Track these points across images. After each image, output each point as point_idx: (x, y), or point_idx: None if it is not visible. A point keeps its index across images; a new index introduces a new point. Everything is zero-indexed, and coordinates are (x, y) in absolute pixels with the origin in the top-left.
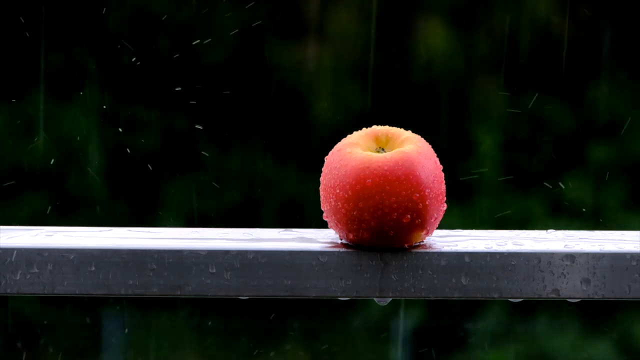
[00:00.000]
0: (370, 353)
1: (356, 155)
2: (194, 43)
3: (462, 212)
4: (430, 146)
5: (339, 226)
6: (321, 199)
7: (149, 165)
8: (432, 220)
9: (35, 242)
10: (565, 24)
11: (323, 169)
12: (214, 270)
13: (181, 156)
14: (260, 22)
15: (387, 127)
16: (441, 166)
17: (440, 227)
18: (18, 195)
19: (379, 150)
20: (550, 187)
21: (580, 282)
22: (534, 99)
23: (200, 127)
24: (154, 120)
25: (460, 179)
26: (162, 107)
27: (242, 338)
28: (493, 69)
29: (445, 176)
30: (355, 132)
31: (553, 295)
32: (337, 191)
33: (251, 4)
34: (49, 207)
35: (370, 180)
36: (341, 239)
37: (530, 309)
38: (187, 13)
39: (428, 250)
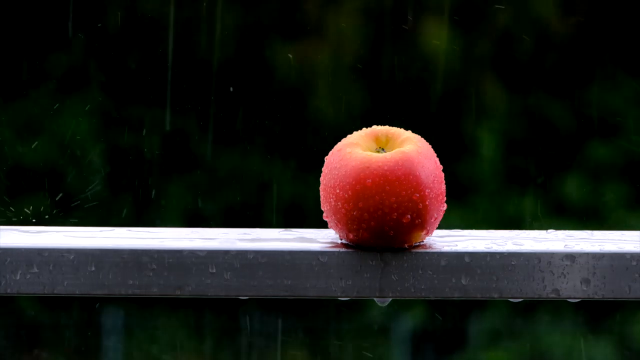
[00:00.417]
0: (370, 353)
1: (356, 155)
2: (194, 43)
3: (462, 212)
4: (430, 146)
5: (339, 226)
6: (321, 199)
7: (149, 166)
8: (432, 220)
9: (35, 242)
10: (565, 24)
11: (323, 169)
12: (214, 270)
13: (181, 156)
14: (260, 22)
15: (387, 127)
16: (441, 166)
17: (440, 227)
18: (18, 196)
19: (379, 150)
20: (550, 186)
21: (580, 282)
22: (533, 99)
23: (200, 127)
24: (154, 120)
25: (460, 179)
26: (162, 107)
27: (242, 338)
28: (493, 69)
29: (445, 176)
30: (355, 132)
31: (553, 295)
32: (337, 191)
33: (251, 4)
34: (49, 207)
35: (370, 180)
36: (341, 239)
37: (530, 308)
38: (188, 13)
39: (428, 250)
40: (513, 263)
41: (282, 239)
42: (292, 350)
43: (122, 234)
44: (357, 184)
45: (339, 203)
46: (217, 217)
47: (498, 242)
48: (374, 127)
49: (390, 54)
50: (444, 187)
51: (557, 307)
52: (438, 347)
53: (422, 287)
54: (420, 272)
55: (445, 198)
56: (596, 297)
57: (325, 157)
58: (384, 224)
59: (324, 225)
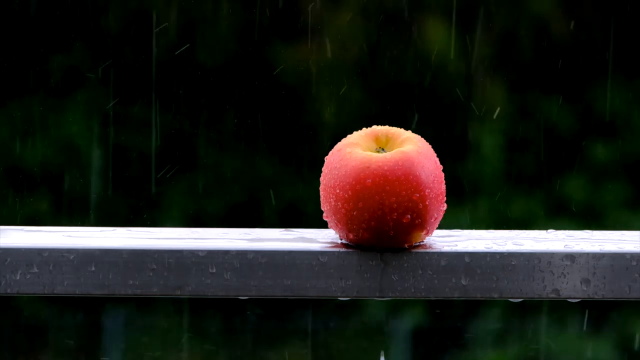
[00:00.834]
0: (370, 353)
1: (356, 155)
2: (194, 43)
3: (462, 212)
4: (430, 146)
5: (339, 226)
6: (321, 199)
7: (149, 166)
8: (432, 220)
9: (35, 242)
10: (565, 24)
11: (323, 169)
12: (214, 270)
13: (181, 156)
14: (260, 22)
15: (387, 127)
16: (441, 166)
17: (440, 227)
18: (18, 196)
19: (379, 150)
20: (550, 186)
21: (580, 282)
22: (534, 99)
23: (200, 128)
24: (154, 120)
25: (460, 179)
26: (162, 107)
27: (242, 338)
28: (493, 69)
29: (445, 176)
30: (355, 132)
31: (553, 295)
32: (337, 191)
33: (251, 4)
34: (49, 207)
35: (370, 180)
36: (341, 239)
37: (530, 308)
38: (187, 13)
39: (428, 250)
40: (513, 263)
41: (282, 239)
42: (292, 350)
43: (122, 234)
44: (357, 184)
45: (339, 203)
46: (217, 217)
47: (498, 242)
48: (374, 127)
49: (390, 54)
50: (444, 187)
51: (557, 307)
52: (438, 347)
53: (422, 287)
54: (420, 272)
55: (445, 198)
56: (596, 297)
57: (325, 157)
58: (384, 224)
59: (324, 225)
